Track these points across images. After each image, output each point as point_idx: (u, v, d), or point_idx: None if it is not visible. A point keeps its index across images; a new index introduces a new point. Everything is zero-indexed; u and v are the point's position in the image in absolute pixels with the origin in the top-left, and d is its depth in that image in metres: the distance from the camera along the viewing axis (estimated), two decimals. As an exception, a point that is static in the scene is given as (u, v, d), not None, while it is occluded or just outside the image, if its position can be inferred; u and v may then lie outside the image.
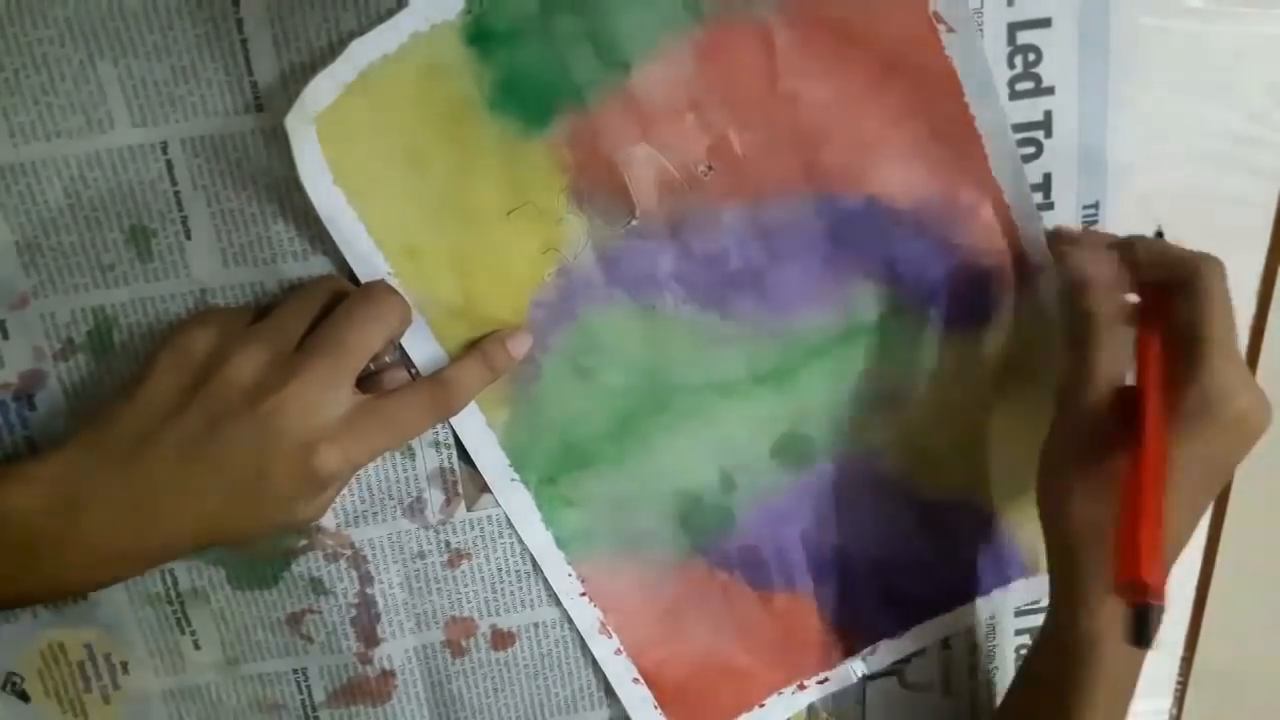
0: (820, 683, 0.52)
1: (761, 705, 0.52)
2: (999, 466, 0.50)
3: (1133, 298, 0.43)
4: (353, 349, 0.41)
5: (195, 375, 0.40)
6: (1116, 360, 0.43)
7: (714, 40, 0.42)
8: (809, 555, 0.50)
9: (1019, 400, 0.48)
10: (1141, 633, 0.36)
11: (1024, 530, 0.51)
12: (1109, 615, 0.43)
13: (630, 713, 0.51)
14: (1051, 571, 0.46)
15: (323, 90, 0.40)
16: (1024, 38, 0.44)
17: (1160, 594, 0.37)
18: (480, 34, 0.41)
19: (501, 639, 0.50)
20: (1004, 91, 0.44)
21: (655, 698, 0.51)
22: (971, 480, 0.50)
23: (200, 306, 0.43)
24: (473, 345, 0.44)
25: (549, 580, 0.49)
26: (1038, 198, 0.46)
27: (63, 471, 0.39)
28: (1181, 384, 0.41)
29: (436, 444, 0.46)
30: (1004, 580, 0.52)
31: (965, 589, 0.52)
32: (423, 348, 0.45)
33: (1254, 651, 0.56)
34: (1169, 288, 0.42)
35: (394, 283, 0.44)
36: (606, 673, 0.51)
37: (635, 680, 0.51)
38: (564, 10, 0.41)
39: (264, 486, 0.40)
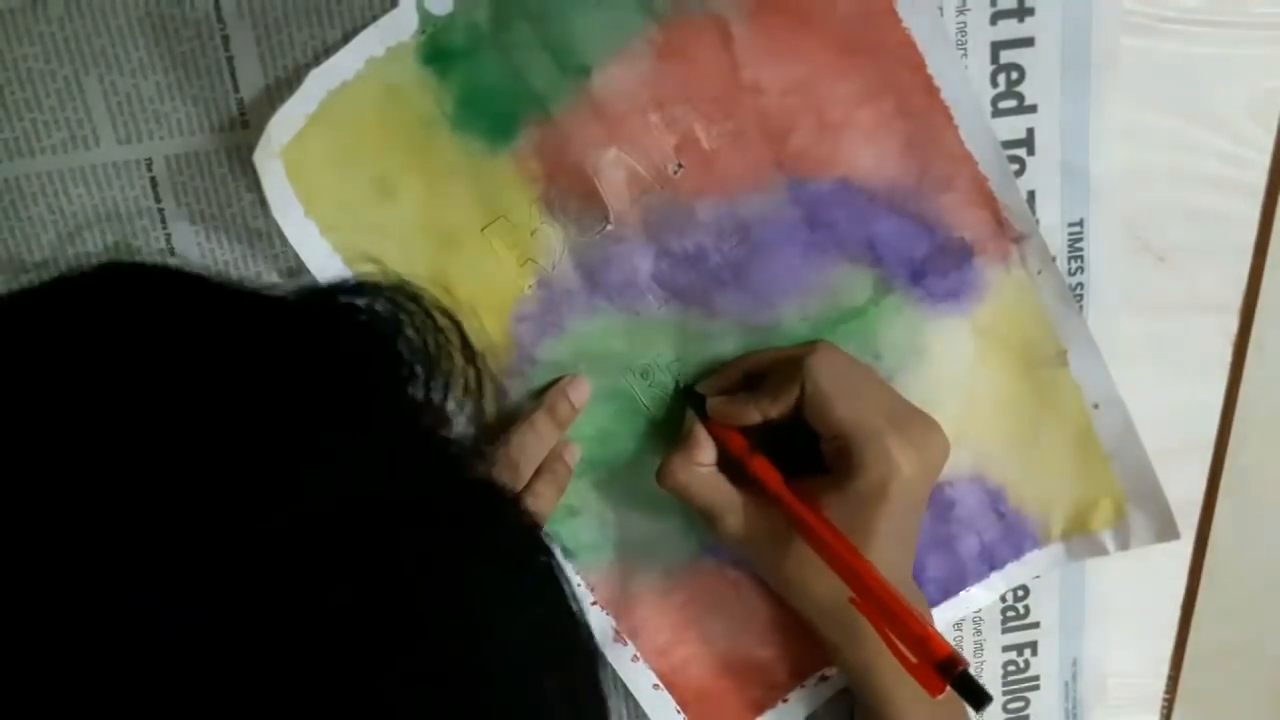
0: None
1: (785, 700, 0.52)
2: (1000, 439, 0.49)
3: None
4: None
5: None
6: (739, 508, 0.45)
7: (671, 37, 0.42)
8: None
9: (1011, 371, 0.48)
10: (977, 693, 0.37)
11: (1033, 501, 0.50)
12: (896, 681, 0.44)
13: (653, 718, 0.51)
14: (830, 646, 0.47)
15: (286, 122, 0.40)
16: (1007, 56, 0.44)
17: (959, 656, 0.38)
18: (436, 53, 0.41)
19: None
20: (987, 109, 0.44)
21: (676, 701, 0.51)
22: (975, 455, 0.49)
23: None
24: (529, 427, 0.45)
25: None
26: (1021, 215, 0.46)
27: None
28: (841, 482, 0.43)
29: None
30: (1018, 553, 0.51)
31: (979, 566, 0.51)
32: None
33: (1238, 669, 0.56)
34: (781, 389, 0.43)
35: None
36: (624, 680, 0.51)
37: (655, 686, 0.51)
38: (518, 22, 0.41)
39: None
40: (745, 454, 0.45)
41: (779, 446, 0.45)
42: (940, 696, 0.39)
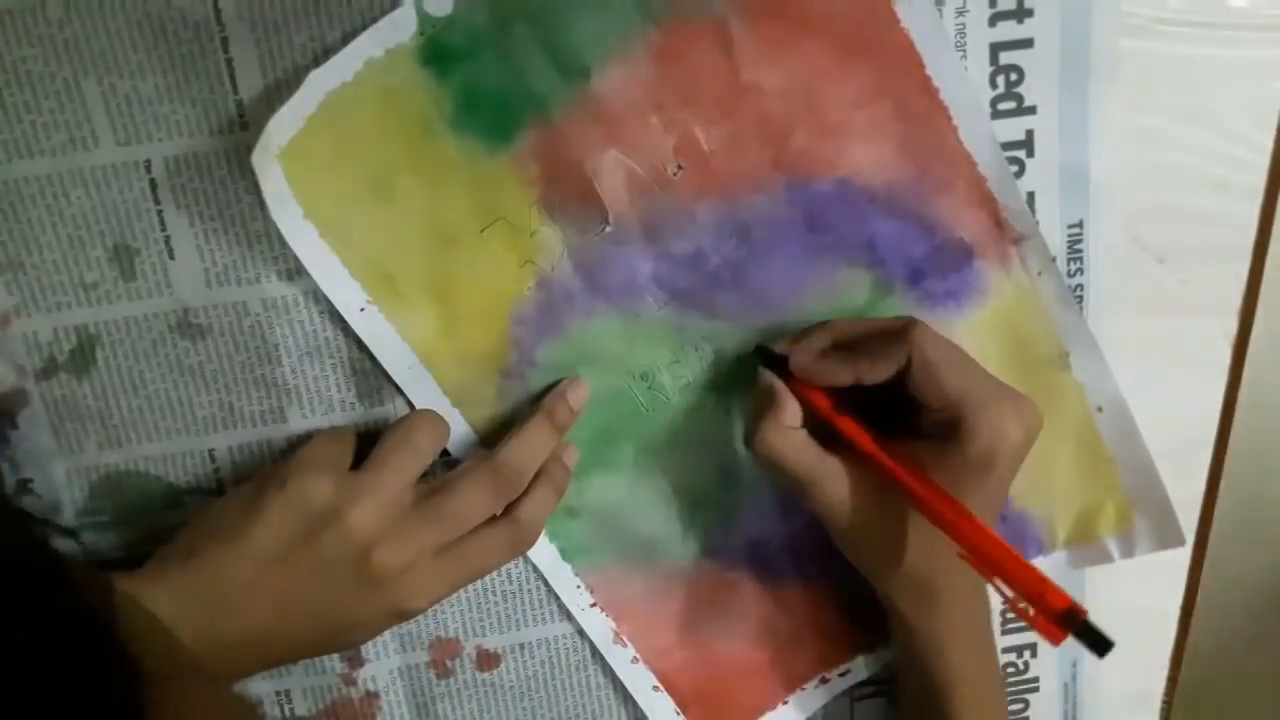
0: (842, 675, 0.52)
1: (785, 702, 0.52)
2: None
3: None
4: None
5: (307, 527, 0.40)
6: (834, 476, 0.44)
7: (671, 39, 0.42)
8: (818, 546, 0.49)
9: (1012, 373, 0.48)
10: (1100, 641, 0.36)
11: (1037, 505, 0.50)
12: (962, 655, 0.45)
13: None
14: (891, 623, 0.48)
15: (285, 124, 0.40)
16: (1006, 58, 0.44)
17: (1079, 606, 0.38)
18: (435, 55, 0.41)
19: (487, 660, 0.50)
20: (986, 110, 0.44)
21: (676, 703, 0.51)
22: None
23: (184, 326, 0.43)
24: (524, 433, 0.44)
25: (558, 593, 0.49)
26: (1021, 216, 0.46)
27: (165, 599, 0.39)
28: (944, 450, 0.42)
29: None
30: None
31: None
32: (410, 377, 0.45)
33: (1237, 669, 0.56)
34: (884, 356, 0.42)
35: (373, 311, 0.44)
36: (625, 682, 0.51)
37: (655, 688, 0.51)
38: (517, 24, 0.41)
39: (355, 629, 0.42)
40: (832, 414, 0.44)
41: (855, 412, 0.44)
42: (1055, 637, 0.38)
